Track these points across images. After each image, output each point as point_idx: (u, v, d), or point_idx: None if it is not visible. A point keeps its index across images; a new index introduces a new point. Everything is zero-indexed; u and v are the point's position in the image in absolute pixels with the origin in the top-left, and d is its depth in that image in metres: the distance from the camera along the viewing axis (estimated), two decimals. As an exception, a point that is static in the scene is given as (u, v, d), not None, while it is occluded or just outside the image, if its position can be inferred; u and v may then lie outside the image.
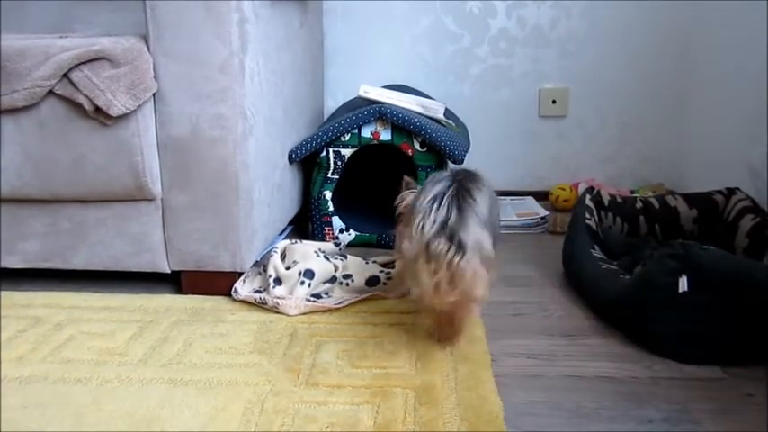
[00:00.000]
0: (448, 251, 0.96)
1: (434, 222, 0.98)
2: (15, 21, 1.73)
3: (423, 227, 0.99)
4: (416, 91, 1.87)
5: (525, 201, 1.99)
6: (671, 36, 1.99)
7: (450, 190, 1.02)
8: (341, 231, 1.63)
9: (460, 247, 0.96)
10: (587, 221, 1.39)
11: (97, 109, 1.18)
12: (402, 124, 1.53)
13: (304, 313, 1.23)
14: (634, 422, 0.89)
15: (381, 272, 1.34)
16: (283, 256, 1.34)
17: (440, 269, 0.96)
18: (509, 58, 2.05)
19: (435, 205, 1.00)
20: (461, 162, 1.54)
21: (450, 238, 0.97)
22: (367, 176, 1.87)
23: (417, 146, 1.56)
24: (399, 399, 0.94)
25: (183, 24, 1.18)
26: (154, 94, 1.21)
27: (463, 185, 1.03)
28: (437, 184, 1.04)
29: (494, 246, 1.03)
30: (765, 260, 1.25)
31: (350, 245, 1.62)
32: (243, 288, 1.29)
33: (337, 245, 1.54)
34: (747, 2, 1.61)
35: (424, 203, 1.01)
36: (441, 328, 1.11)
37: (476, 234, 0.99)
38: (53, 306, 1.26)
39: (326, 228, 1.63)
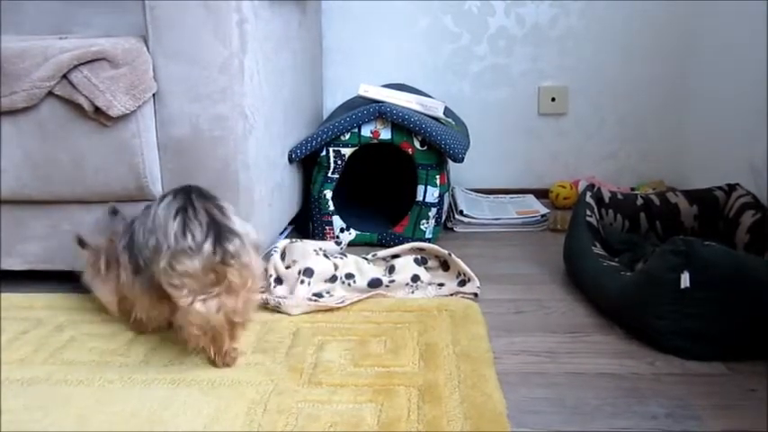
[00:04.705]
0: (230, 251, 0.92)
1: (201, 225, 0.92)
2: (14, 22, 1.72)
3: (192, 235, 0.91)
4: (416, 90, 1.87)
5: (525, 199, 1.99)
6: (670, 33, 1.99)
7: (192, 197, 0.95)
8: (341, 230, 1.63)
9: (241, 242, 0.93)
10: (588, 218, 1.39)
11: (97, 110, 1.18)
12: (402, 123, 1.53)
13: (306, 313, 1.22)
14: (637, 418, 0.89)
15: (384, 275, 1.34)
16: (283, 256, 1.34)
17: (228, 272, 0.92)
18: (508, 56, 2.05)
19: (184, 214, 0.93)
20: (461, 161, 1.54)
21: (222, 237, 0.92)
22: (367, 175, 1.87)
23: (417, 144, 1.56)
24: (403, 397, 0.94)
25: (183, 25, 1.18)
26: (153, 95, 1.21)
27: (200, 192, 0.97)
28: (160, 204, 0.96)
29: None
30: (766, 256, 1.25)
31: (350, 244, 1.62)
32: (244, 288, 1.29)
33: (338, 244, 1.54)
34: (747, 0, 1.62)
35: (159, 220, 0.93)
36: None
37: (241, 224, 0.96)
38: (54, 308, 1.26)
39: (327, 227, 1.63)
